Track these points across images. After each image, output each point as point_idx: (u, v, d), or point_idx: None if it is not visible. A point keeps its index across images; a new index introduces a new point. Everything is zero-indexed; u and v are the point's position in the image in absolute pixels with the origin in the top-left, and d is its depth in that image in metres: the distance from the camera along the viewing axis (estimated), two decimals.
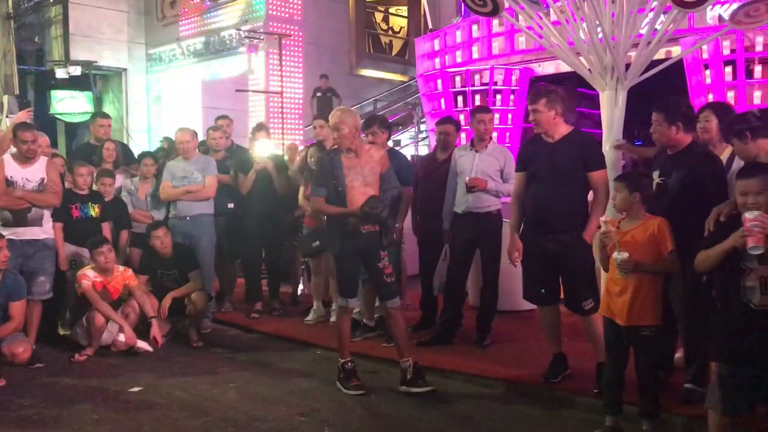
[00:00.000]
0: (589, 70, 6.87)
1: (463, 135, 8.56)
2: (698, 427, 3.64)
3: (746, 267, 3.02)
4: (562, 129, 4.45)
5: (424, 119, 12.91)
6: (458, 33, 11.29)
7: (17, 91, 12.32)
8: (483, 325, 5.54)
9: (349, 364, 4.74)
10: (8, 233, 5.22)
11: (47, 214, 5.50)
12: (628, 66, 6.69)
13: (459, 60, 11.21)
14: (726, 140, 4.11)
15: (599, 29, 6.65)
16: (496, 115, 10.87)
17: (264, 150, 6.64)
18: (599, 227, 3.85)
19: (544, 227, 4.39)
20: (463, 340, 5.57)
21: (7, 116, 11.52)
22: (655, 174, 4.09)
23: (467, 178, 5.31)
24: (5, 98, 12.05)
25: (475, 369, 4.92)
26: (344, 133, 4.55)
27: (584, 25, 6.86)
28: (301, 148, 8.13)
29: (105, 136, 7.22)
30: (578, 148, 4.36)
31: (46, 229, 5.52)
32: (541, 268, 4.46)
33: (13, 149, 5.51)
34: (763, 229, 2.91)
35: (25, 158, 5.36)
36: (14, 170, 5.33)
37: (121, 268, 5.81)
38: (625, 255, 3.58)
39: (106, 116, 7.68)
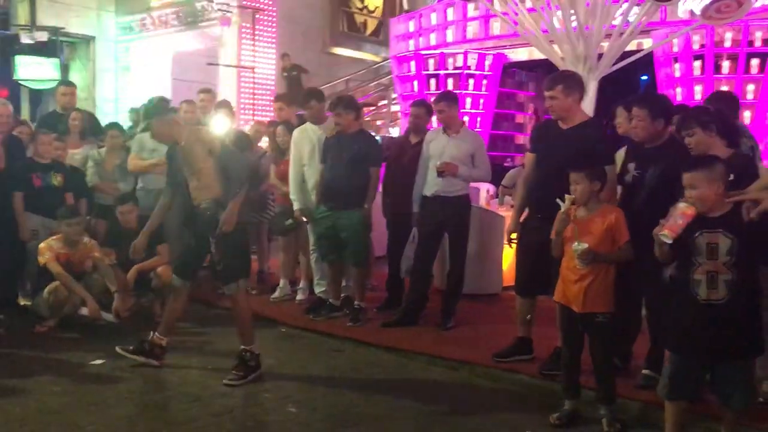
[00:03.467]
0: (562, 58, 6.96)
1: (434, 118, 8.58)
2: (654, 413, 3.73)
3: (696, 261, 3.13)
4: (578, 117, 4.34)
5: (396, 100, 12.89)
6: (433, 15, 11.27)
7: None
8: (448, 308, 5.59)
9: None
10: None
11: None
12: (600, 56, 6.79)
13: (433, 42, 11.21)
14: (680, 129, 4.12)
15: (574, 18, 6.73)
16: (468, 99, 10.93)
17: (221, 128, 6.54)
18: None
19: (542, 212, 4.36)
20: (427, 323, 5.60)
21: None
22: (631, 166, 4.13)
23: (438, 163, 5.32)
24: None
25: (437, 351, 4.96)
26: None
27: (559, 13, 6.94)
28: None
29: (69, 105, 7.09)
30: (589, 139, 4.24)
31: None
32: (538, 259, 4.33)
33: None
34: (675, 220, 3.04)
35: None
36: None
37: (86, 240, 5.73)
38: (585, 245, 3.62)
39: (71, 84, 7.55)
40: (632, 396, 4.01)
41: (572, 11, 6.67)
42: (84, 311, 5.50)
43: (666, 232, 3.07)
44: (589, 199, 3.75)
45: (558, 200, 3.75)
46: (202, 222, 4.47)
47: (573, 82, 4.32)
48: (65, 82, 8.13)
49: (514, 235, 4.63)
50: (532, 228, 4.46)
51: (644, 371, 4.18)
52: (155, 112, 4.53)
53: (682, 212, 3.06)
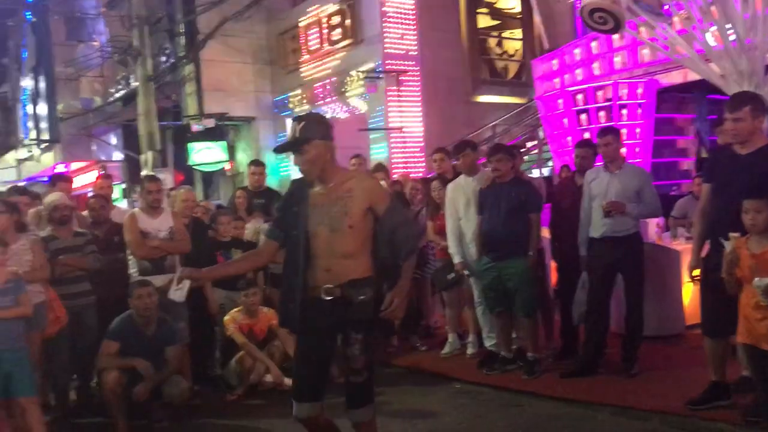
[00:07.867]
0: (722, 76, 6.54)
1: None
2: None
3: None
4: (759, 141, 4.05)
5: (546, 141, 12.69)
6: (577, 51, 11.08)
7: (159, 147, 13.26)
8: (629, 353, 5.30)
9: None
10: None
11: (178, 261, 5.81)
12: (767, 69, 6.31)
13: (580, 78, 10.98)
14: None
15: (731, 33, 6.33)
16: (624, 130, 10.52)
17: None
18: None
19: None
20: (608, 370, 5.33)
21: (152, 170, 12.41)
22: None
23: (604, 203, 5.13)
24: (149, 154, 13.00)
25: (624, 401, 4.70)
26: (307, 158, 3.33)
27: (713, 29, 6.56)
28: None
29: (257, 183, 7.49)
30: None
31: None
32: (724, 297, 3.89)
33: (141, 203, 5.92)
34: None
35: (152, 209, 5.76)
36: (146, 222, 5.70)
37: (265, 309, 6.05)
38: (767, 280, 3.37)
39: (260, 164, 7.79)
40: None
41: (729, 27, 6.28)
42: (268, 378, 5.78)
43: None
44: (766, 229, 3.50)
45: (722, 240, 3.54)
46: (344, 312, 3.24)
47: (760, 104, 4.03)
48: (255, 162, 8.02)
49: (696, 272, 4.32)
50: (716, 264, 4.13)
51: None
52: (322, 134, 3.35)
53: None
